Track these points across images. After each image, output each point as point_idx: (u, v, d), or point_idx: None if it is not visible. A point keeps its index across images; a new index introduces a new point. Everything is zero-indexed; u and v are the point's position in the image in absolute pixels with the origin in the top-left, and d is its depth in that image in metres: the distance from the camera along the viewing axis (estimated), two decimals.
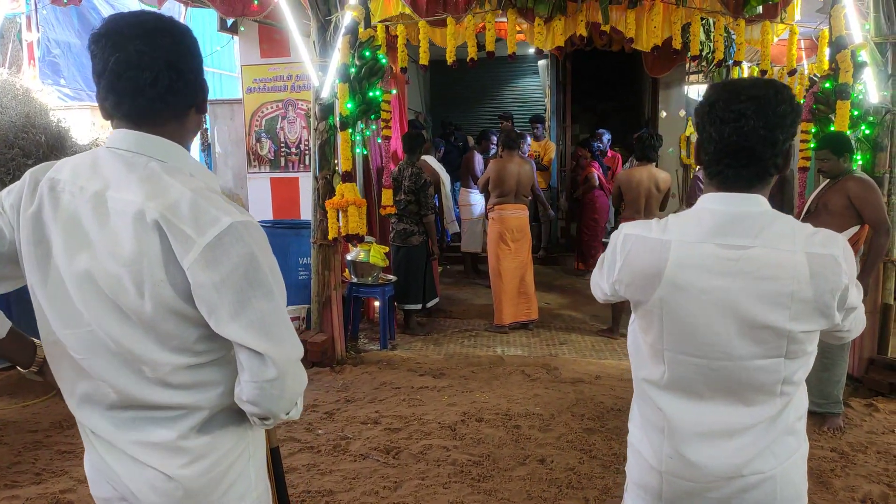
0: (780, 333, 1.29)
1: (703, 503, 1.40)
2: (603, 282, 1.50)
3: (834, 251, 1.28)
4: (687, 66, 8.70)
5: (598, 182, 7.75)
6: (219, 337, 1.22)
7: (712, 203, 1.35)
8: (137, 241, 1.16)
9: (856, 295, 1.34)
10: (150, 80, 1.18)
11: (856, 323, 1.39)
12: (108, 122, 1.26)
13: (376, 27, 5.01)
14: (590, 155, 8.03)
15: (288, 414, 1.29)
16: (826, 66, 4.85)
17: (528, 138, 8.18)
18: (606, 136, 8.48)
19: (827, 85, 4.54)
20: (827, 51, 4.91)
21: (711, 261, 1.30)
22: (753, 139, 1.28)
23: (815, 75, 5.15)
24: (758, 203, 1.33)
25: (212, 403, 1.28)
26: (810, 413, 4.02)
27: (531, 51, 9.28)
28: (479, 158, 8.05)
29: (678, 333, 1.35)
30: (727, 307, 1.30)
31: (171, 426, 1.26)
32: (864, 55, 4.42)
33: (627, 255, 1.40)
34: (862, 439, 3.75)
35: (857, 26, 4.50)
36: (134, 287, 1.18)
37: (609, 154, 8.50)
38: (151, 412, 1.26)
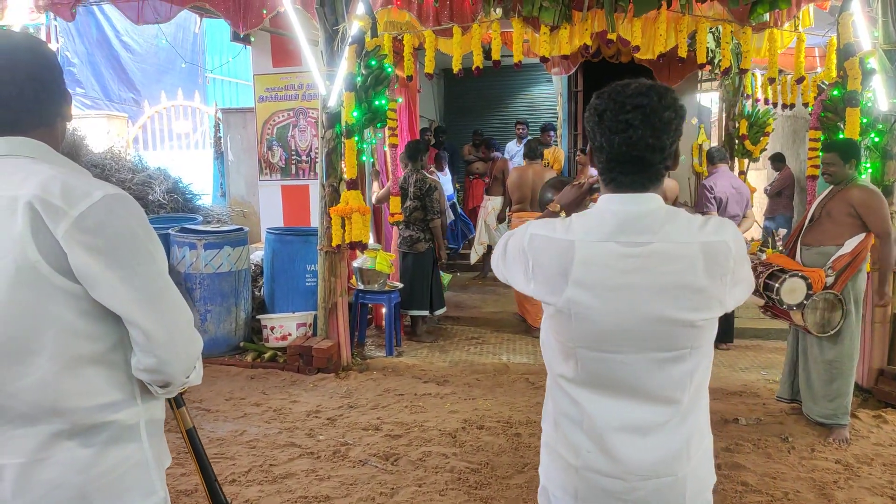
0: (684, 324, 1.32)
1: None
2: (517, 274, 1.48)
3: (725, 237, 1.32)
4: (699, 74, 8.65)
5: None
6: (107, 318, 1.26)
7: (611, 204, 1.38)
8: (10, 228, 1.20)
9: (745, 271, 1.38)
10: (15, 93, 1.26)
11: (743, 294, 1.42)
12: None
13: (383, 36, 5.06)
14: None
15: (188, 378, 1.34)
16: (834, 74, 4.81)
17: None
18: None
19: (835, 92, 4.50)
20: (835, 58, 4.86)
21: (614, 259, 1.33)
22: (641, 147, 1.31)
23: (823, 83, 5.11)
24: (654, 200, 1.36)
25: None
26: (817, 424, 3.97)
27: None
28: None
29: (588, 331, 1.37)
30: (633, 302, 1.33)
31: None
32: (872, 62, 4.37)
33: (536, 254, 1.41)
34: (868, 451, 3.69)
35: (865, 33, 4.46)
36: (12, 273, 1.21)
37: None
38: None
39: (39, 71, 1.29)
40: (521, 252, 1.44)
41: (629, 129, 1.30)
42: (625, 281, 1.32)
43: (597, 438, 1.39)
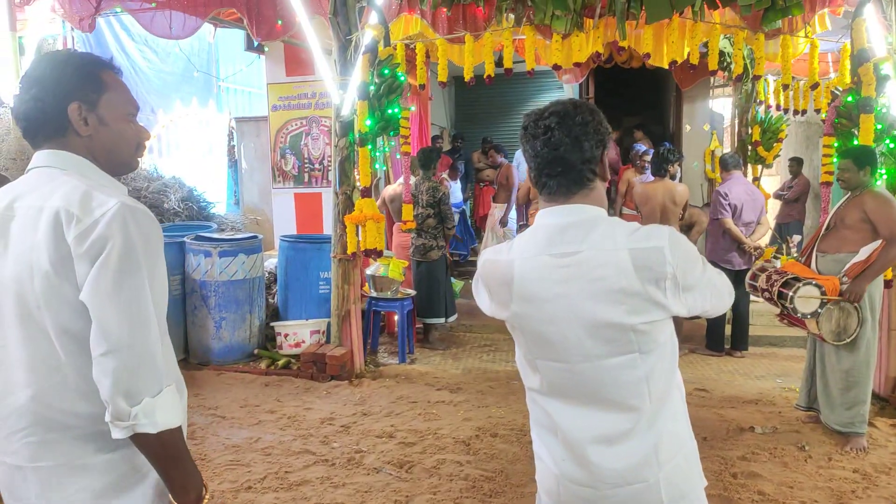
0: (624, 328, 1.37)
1: None
2: (483, 298, 1.57)
3: (658, 243, 1.36)
4: (712, 80, 8.64)
5: None
6: None
7: (543, 218, 1.47)
8: (31, 238, 1.27)
9: (694, 276, 1.39)
10: (19, 111, 1.36)
11: (705, 300, 1.43)
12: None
13: (395, 45, 5.09)
14: None
15: (133, 408, 1.23)
16: (848, 80, 4.79)
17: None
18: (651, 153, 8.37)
19: (849, 98, 4.48)
20: (848, 64, 4.84)
21: (548, 271, 1.41)
22: (562, 148, 1.41)
23: (837, 89, 5.08)
24: (582, 211, 1.43)
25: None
26: (834, 432, 3.93)
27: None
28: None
29: (538, 342, 1.46)
30: (570, 311, 1.39)
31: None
32: (887, 68, 4.35)
33: (487, 277, 1.52)
34: (886, 460, 3.65)
35: (879, 39, 4.44)
36: (28, 281, 1.27)
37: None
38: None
39: (40, 88, 1.34)
40: (479, 277, 1.56)
41: (548, 132, 1.41)
42: (560, 290, 1.39)
43: (568, 447, 1.45)
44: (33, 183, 1.34)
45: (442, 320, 6.02)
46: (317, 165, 7.15)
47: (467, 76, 5.21)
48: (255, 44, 7.01)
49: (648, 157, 7.37)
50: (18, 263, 1.28)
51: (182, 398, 1.40)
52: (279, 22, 5.28)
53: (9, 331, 1.32)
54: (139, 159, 1.51)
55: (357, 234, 4.95)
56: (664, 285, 1.35)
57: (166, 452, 1.29)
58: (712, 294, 1.45)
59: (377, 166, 5.17)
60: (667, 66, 5.16)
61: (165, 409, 1.27)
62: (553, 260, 1.40)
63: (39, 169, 1.36)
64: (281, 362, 5.29)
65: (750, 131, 7.34)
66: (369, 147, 4.91)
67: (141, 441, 1.27)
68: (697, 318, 1.54)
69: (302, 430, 4.09)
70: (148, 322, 1.27)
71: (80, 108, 1.35)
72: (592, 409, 1.42)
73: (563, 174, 1.42)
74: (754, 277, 4.11)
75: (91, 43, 7.69)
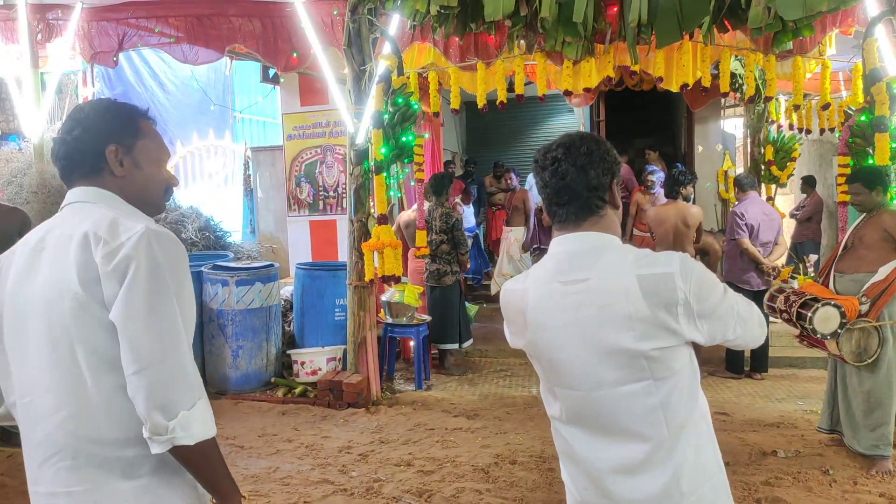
0: (635, 354, 1.36)
1: None
2: (505, 327, 1.61)
3: (667, 269, 1.35)
4: (723, 100, 8.66)
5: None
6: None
7: (554, 247, 1.50)
8: (62, 261, 1.32)
9: (711, 302, 1.37)
10: (59, 151, 1.45)
11: (727, 328, 1.41)
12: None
13: (409, 74, 5.17)
14: None
15: (170, 423, 1.26)
16: (861, 99, 4.79)
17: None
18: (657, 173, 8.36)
19: (863, 118, 4.48)
20: (861, 83, 4.84)
21: (558, 297, 1.43)
22: (568, 177, 1.45)
23: (850, 108, 5.08)
24: (591, 239, 1.45)
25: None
26: (859, 455, 3.85)
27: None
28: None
29: (553, 369, 1.47)
30: (581, 337, 1.40)
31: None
32: None
33: (506, 307, 1.56)
34: None
35: (891, 58, 4.45)
36: (58, 302, 1.31)
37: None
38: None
39: (80, 132, 1.43)
40: (500, 307, 1.60)
41: (555, 163, 1.46)
42: (571, 317, 1.41)
43: (589, 477, 1.46)
44: (66, 217, 1.41)
45: (456, 346, 6.01)
46: (331, 193, 7.23)
47: (480, 103, 5.26)
48: (271, 75, 7.14)
49: (653, 177, 7.36)
50: (49, 287, 1.33)
51: None
52: (294, 54, 5.38)
53: (37, 357, 1.35)
54: (166, 202, 1.58)
55: (374, 261, 4.98)
56: (676, 311, 1.34)
57: (207, 463, 1.34)
58: (737, 323, 1.42)
59: (391, 193, 5.21)
60: (678, 90, 5.17)
61: (201, 420, 1.31)
62: (563, 287, 1.42)
63: (72, 205, 1.43)
64: (298, 390, 5.29)
65: (763, 151, 7.33)
66: (384, 174, 4.97)
67: (181, 454, 1.30)
68: None
69: (320, 458, 4.08)
70: (178, 337, 1.31)
71: (118, 151, 1.43)
72: (610, 438, 1.42)
73: (570, 202, 1.45)
74: (772, 299, 4.09)
75: (110, 76, 7.86)
